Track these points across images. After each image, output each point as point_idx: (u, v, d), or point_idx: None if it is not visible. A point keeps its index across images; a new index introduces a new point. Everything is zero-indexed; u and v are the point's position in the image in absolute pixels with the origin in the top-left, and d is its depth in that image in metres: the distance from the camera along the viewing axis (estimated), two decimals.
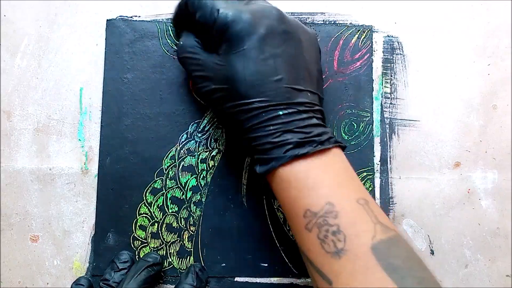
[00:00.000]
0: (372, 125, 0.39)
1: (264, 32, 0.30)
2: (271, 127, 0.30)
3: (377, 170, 0.39)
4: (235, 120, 0.31)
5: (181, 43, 0.34)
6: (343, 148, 0.32)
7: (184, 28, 0.35)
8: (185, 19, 0.34)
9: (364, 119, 0.39)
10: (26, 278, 0.38)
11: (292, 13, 0.40)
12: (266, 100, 0.30)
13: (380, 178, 0.39)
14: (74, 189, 0.38)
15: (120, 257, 0.36)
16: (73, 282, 0.36)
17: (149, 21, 0.40)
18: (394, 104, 0.40)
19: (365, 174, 0.39)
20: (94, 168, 0.38)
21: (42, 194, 0.38)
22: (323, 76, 0.39)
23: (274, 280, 0.38)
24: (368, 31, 0.40)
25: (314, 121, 0.31)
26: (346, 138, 0.39)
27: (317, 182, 0.29)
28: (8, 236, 0.38)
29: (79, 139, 0.39)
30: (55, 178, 0.38)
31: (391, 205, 0.39)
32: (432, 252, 0.39)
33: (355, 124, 0.39)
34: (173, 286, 0.37)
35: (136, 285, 0.34)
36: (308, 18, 0.40)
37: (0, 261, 0.38)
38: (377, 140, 0.40)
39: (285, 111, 0.30)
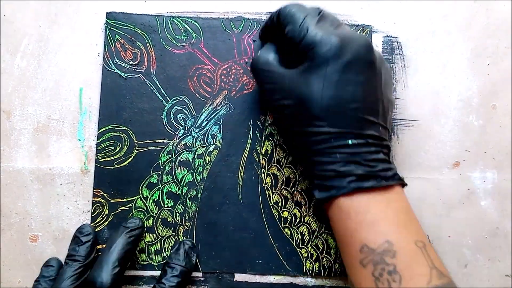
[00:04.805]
0: None
1: (349, 58, 0.29)
2: (338, 155, 0.29)
3: None
4: (301, 141, 0.31)
5: (258, 54, 0.34)
6: (404, 186, 0.32)
7: (268, 41, 0.35)
8: (273, 31, 0.34)
9: None
10: (26, 278, 0.38)
11: None
12: (338, 126, 0.29)
13: None
14: (74, 189, 0.38)
15: (82, 230, 0.36)
16: (43, 264, 0.36)
17: (149, 15, 0.40)
18: None
19: None
20: (93, 168, 0.38)
21: (42, 194, 0.38)
22: None
23: (273, 279, 0.38)
24: (367, 31, 0.40)
25: (381, 156, 0.30)
26: None
27: (377, 219, 0.29)
28: (8, 236, 0.38)
29: (79, 139, 0.39)
30: (55, 178, 0.38)
31: None
32: None
33: None
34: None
35: (117, 254, 0.33)
36: None
37: (0, 261, 0.38)
38: None
39: (355, 141, 0.29)
